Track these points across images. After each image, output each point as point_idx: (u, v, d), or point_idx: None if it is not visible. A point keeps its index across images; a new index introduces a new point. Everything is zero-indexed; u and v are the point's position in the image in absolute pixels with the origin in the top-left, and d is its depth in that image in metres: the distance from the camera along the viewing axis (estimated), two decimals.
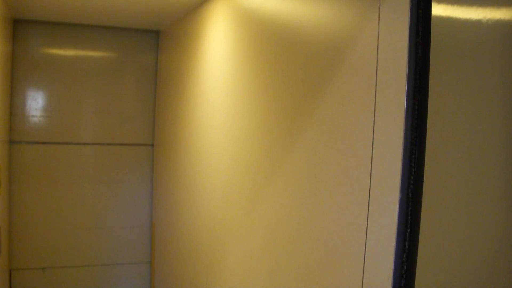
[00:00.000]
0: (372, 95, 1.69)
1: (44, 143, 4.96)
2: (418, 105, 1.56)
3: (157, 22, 4.80)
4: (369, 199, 1.67)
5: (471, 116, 1.64)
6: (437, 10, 1.54)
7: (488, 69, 1.63)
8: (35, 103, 4.90)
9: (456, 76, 1.62)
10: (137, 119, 5.27)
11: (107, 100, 5.16)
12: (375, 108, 1.67)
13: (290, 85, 2.25)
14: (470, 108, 1.64)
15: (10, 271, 4.82)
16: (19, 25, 4.76)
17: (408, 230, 1.55)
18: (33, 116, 4.90)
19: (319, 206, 1.98)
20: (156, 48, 5.29)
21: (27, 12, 4.44)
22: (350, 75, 1.83)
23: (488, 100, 1.64)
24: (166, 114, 4.82)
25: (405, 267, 1.54)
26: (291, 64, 2.25)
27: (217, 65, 3.26)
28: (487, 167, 1.66)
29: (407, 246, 1.55)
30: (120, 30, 5.13)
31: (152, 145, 5.30)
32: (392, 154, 1.58)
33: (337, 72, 1.90)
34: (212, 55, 3.39)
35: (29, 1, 3.99)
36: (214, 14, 3.40)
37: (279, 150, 2.34)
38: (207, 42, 3.54)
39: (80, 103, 5.08)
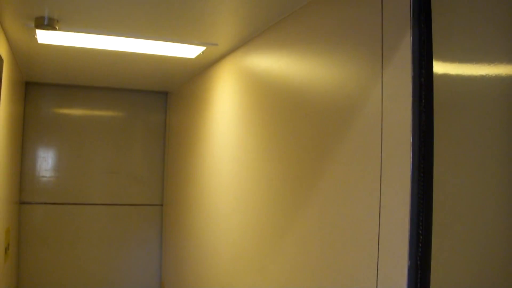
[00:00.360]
0: (377, 162, 1.69)
1: (53, 203, 4.98)
2: (424, 173, 1.56)
3: (165, 84, 4.89)
4: (378, 267, 1.65)
5: (477, 178, 1.63)
6: (438, 68, 1.56)
7: (491, 124, 1.62)
8: (45, 164, 4.95)
9: (459, 134, 1.62)
10: (146, 179, 5.29)
11: (116, 160, 5.20)
12: (381, 175, 1.67)
13: (298, 147, 2.26)
14: (475, 169, 1.63)
15: None
16: (31, 87, 4.88)
17: None
18: (43, 176, 4.94)
19: (326, 271, 1.95)
20: (165, 108, 5.37)
21: (38, 76, 4.55)
22: (355, 142, 1.84)
23: (493, 161, 1.64)
24: (175, 174, 4.83)
25: None
26: (298, 126, 2.27)
27: (225, 125, 3.30)
28: (494, 228, 1.64)
29: None
30: (129, 91, 5.23)
31: (161, 205, 5.29)
32: (399, 222, 1.57)
33: (343, 138, 1.91)
34: (220, 115, 3.43)
35: (39, 66, 4.09)
36: (221, 75, 3.47)
37: (287, 212, 2.33)
38: (214, 103, 3.59)
39: (89, 163, 5.12)
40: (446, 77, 1.53)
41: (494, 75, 1.47)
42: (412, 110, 1.57)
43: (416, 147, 1.56)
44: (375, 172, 1.70)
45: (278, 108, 2.50)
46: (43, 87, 4.93)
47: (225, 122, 3.29)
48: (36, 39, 2.96)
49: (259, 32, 2.76)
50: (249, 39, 2.93)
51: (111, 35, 2.92)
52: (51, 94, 4.99)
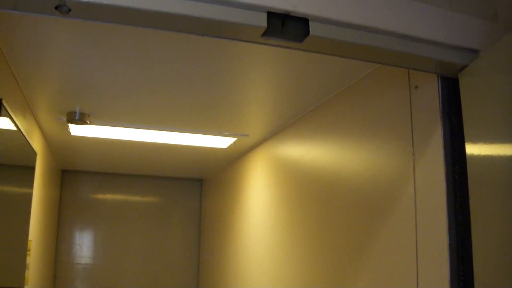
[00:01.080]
0: (413, 262, 1.58)
1: None
2: (463, 276, 1.44)
3: (200, 172, 4.93)
4: None
5: None
6: (471, 149, 1.45)
7: None
8: (80, 251, 4.91)
9: (498, 225, 1.48)
10: (181, 265, 5.18)
11: (152, 246, 5.13)
12: (417, 277, 1.56)
13: (331, 238, 2.18)
14: None
15: None
16: (67, 175, 4.95)
17: None
18: (77, 264, 4.89)
19: None
20: (200, 194, 5.35)
21: (74, 164, 4.64)
22: (389, 238, 1.73)
23: None
24: (210, 260, 4.74)
25: None
26: (331, 216, 2.20)
27: (258, 212, 3.25)
28: None
29: None
30: (165, 178, 5.25)
31: None
32: None
33: (377, 234, 1.81)
34: (253, 202, 3.40)
35: (75, 156, 4.17)
36: (254, 164, 3.46)
37: None
38: (247, 190, 3.57)
39: (125, 250, 5.06)
40: (479, 159, 1.42)
41: None
42: (447, 209, 1.47)
43: (454, 251, 1.44)
44: (411, 272, 1.58)
45: (310, 197, 2.45)
46: (79, 174, 5.00)
47: (258, 209, 3.24)
48: (69, 131, 3.01)
49: (289, 123, 2.75)
50: (279, 130, 2.92)
51: (143, 128, 2.94)
52: (88, 181, 5.05)
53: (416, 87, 1.63)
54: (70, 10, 1.09)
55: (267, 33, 1.19)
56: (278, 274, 2.80)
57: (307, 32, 1.20)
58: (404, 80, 1.69)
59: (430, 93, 1.56)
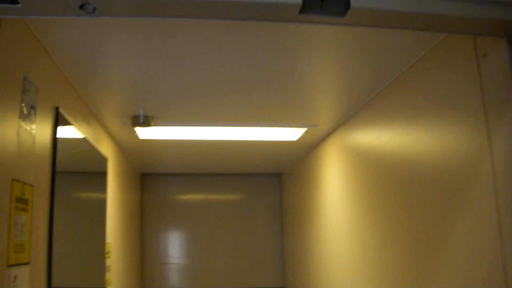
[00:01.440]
0: (498, 253, 1.42)
1: None
2: None
3: (278, 166, 4.89)
4: None
5: None
6: None
7: None
8: (165, 251, 5.00)
9: None
10: (267, 260, 5.15)
11: (235, 243, 5.14)
12: (505, 263, 1.40)
13: (408, 222, 2.04)
14: None
15: None
16: (147, 178, 5.06)
17: None
18: (164, 263, 4.98)
19: None
20: (280, 189, 5.30)
21: (152, 168, 4.71)
22: (469, 220, 1.58)
23: None
24: (294, 254, 4.68)
25: None
26: (407, 201, 2.06)
27: (335, 202, 3.18)
28: None
29: None
30: (245, 175, 5.25)
31: (285, 287, 5.10)
32: None
33: (455, 216, 1.66)
34: (330, 193, 3.33)
35: (150, 161, 4.22)
36: (327, 154, 3.37)
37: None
38: (323, 181, 3.50)
39: (209, 248, 5.09)
40: None
41: None
42: None
43: None
44: (496, 261, 1.43)
45: (384, 184, 2.33)
46: (158, 177, 5.11)
47: (336, 200, 3.17)
48: (137, 135, 3.03)
49: (357, 109, 2.63)
50: (348, 117, 2.81)
51: (210, 126, 2.91)
52: (167, 183, 5.14)
53: (484, 55, 1.47)
54: (95, 8, 1.05)
55: (305, 10, 1.09)
56: (357, 265, 2.72)
57: (348, 5, 1.09)
58: (470, 50, 1.53)
59: (501, 60, 1.40)
